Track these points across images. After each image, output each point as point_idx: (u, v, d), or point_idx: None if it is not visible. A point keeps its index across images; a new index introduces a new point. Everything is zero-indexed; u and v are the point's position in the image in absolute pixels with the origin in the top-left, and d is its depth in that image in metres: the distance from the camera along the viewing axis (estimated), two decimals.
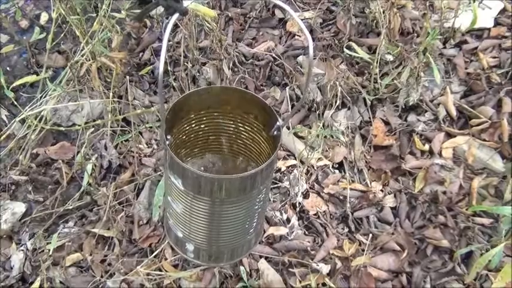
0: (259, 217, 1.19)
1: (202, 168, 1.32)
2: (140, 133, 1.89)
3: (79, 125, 1.87)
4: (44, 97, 1.92)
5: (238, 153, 1.30)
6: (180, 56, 2.00)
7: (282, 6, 0.99)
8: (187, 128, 1.24)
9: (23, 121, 1.89)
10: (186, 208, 1.11)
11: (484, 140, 1.80)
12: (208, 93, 1.20)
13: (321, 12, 2.21)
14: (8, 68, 2.13)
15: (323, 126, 1.78)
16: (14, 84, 1.98)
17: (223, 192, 1.05)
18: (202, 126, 1.25)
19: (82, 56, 1.88)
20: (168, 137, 1.11)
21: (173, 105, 1.14)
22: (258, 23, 2.24)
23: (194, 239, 1.18)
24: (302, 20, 2.19)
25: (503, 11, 2.13)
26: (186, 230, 1.17)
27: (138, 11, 2.22)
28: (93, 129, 1.85)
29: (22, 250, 1.68)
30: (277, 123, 1.13)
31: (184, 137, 1.25)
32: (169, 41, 2.14)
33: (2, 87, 1.88)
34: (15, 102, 1.85)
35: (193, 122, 1.24)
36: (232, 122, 1.25)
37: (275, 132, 1.14)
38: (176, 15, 0.94)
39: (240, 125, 1.25)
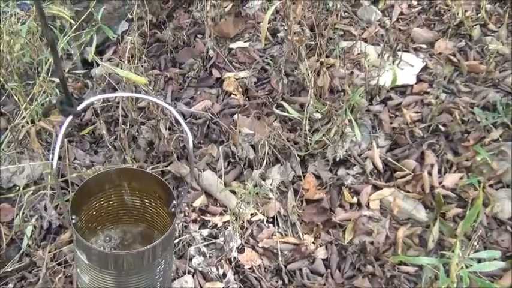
0: (162, 285, 1.29)
1: (115, 237, 1.41)
2: None
3: (19, 187, 1.91)
4: None
5: (146, 225, 1.41)
6: (119, 116, 2.06)
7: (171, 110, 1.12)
8: (96, 204, 1.36)
9: None
10: (93, 280, 1.21)
11: (408, 192, 1.91)
12: (114, 174, 1.32)
13: (255, 72, 2.32)
14: None
15: (253, 185, 1.86)
16: None
17: (126, 266, 1.16)
18: (111, 202, 1.38)
19: (22, 119, 1.93)
20: (74, 216, 1.22)
21: (80, 187, 1.27)
22: (196, 83, 2.34)
23: None
24: (237, 79, 2.29)
25: (425, 68, 2.28)
26: None
27: (80, 72, 2.28)
28: (33, 190, 1.89)
29: None
30: (174, 201, 1.28)
31: (94, 212, 1.36)
32: (109, 101, 2.22)
33: None
34: None
35: (102, 199, 1.36)
36: (139, 199, 1.38)
37: (172, 209, 1.25)
38: (70, 117, 1.06)
39: (146, 201, 1.38)
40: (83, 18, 2.23)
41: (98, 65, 2.25)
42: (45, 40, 2.17)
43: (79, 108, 1.08)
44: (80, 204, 1.29)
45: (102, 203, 1.37)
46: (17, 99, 1.90)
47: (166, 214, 1.34)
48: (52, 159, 1.05)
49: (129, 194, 1.37)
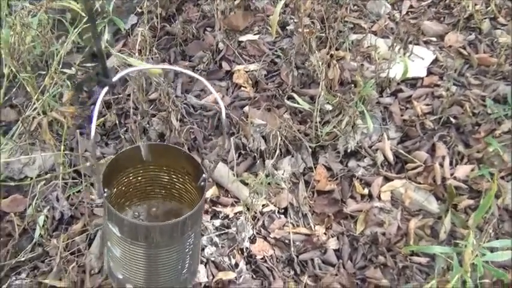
0: (191, 259, 1.30)
1: (143, 213, 1.43)
2: (92, 184, 1.94)
3: (31, 178, 1.91)
4: None
5: (173, 201, 1.42)
6: (130, 108, 2.07)
7: (200, 79, 1.13)
8: (125, 180, 1.36)
9: None
10: (124, 252, 1.23)
11: (420, 183, 1.91)
12: (143, 150, 1.33)
13: (265, 64, 2.33)
14: None
15: (266, 175, 1.86)
16: None
17: (157, 238, 1.17)
18: (139, 178, 1.38)
19: (33, 110, 1.93)
20: (105, 189, 1.22)
21: (110, 161, 1.27)
22: (206, 75, 2.34)
23: (133, 280, 1.28)
24: (247, 71, 2.30)
25: (435, 61, 2.28)
26: (125, 272, 1.27)
27: (90, 65, 2.30)
28: (44, 181, 1.89)
29: None
30: (203, 175, 1.28)
31: (123, 188, 1.37)
32: (119, 93, 2.22)
33: None
34: None
35: (131, 175, 1.37)
36: (166, 174, 1.39)
37: (201, 183, 1.26)
38: (106, 88, 1.08)
39: (173, 176, 1.38)
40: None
41: (108, 57, 2.25)
42: (57, 33, 2.19)
43: (114, 79, 1.11)
44: (110, 179, 1.31)
45: (131, 178, 1.38)
46: (29, 89, 1.90)
47: (194, 189, 1.36)
48: (90, 129, 1.06)
49: (157, 170, 1.38)
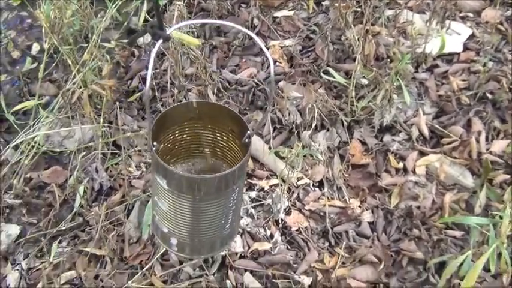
0: (234, 214, 1.33)
1: (187, 171, 1.46)
2: (130, 156, 1.98)
3: (71, 150, 1.96)
4: (37, 124, 2.00)
5: (217, 159, 1.45)
6: (167, 82, 2.10)
7: (253, 37, 1.14)
8: (171, 137, 1.39)
9: (16, 147, 1.98)
10: (171, 206, 1.26)
11: (455, 158, 1.91)
12: (190, 107, 1.35)
13: (300, 40, 2.33)
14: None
15: (302, 146, 1.88)
16: (14, 109, 2.08)
17: (202, 191, 1.21)
18: (184, 136, 1.41)
19: (73, 84, 1.97)
20: (155, 143, 1.26)
21: (159, 117, 1.30)
22: (241, 51, 2.35)
23: (178, 234, 1.32)
24: (282, 47, 2.31)
25: (472, 36, 2.26)
26: (171, 225, 1.31)
27: (126, 41, 2.33)
28: (84, 153, 1.94)
29: (17, 270, 1.75)
30: (248, 132, 1.30)
31: (169, 145, 1.40)
32: (156, 68, 2.25)
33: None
34: (15, 126, 1.96)
35: (176, 132, 1.40)
36: (210, 132, 1.41)
37: (246, 140, 1.29)
38: (161, 41, 1.10)
39: (217, 134, 1.41)
40: None
41: (145, 33, 2.27)
42: (95, 9, 2.22)
43: (169, 32, 1.13)
44: (158, 135, 1.33)
45: (176, 135, 1.40)
46: (70, 62, 1.94)
47: (238, 147, 1.38)
48: (146, 81, 1.09)
49: (202, 127, 1.40)
